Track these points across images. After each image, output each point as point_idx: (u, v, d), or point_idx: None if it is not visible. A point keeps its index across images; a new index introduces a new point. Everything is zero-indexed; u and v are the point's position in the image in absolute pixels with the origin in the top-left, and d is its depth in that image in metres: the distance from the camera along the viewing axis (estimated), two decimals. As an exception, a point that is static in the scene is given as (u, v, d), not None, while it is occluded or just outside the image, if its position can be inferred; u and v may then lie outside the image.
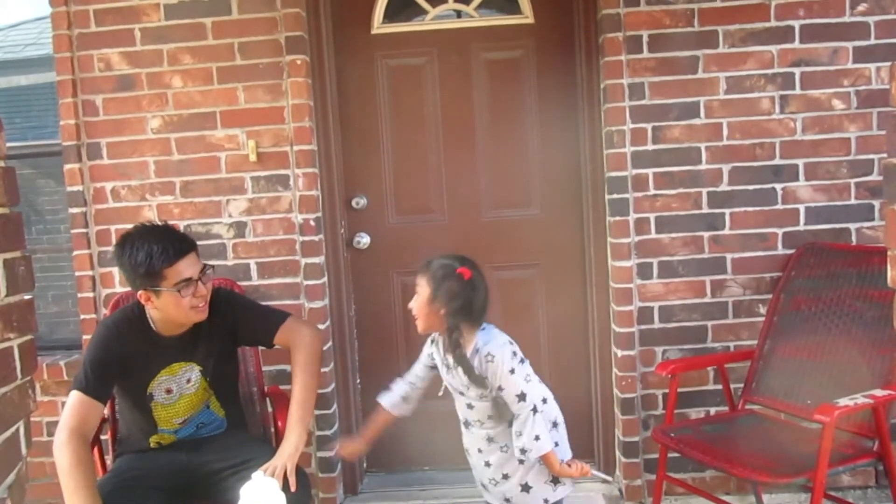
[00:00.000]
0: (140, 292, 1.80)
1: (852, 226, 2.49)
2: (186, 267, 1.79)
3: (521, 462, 1.70)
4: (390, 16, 2.68)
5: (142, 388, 1.89)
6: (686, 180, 2.49)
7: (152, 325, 1.89)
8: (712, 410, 2.53)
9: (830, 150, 2.47)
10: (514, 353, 1.71)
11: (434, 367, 1.88)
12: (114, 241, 2.58)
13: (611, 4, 2.44)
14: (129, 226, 2.52)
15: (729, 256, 2.50)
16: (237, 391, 2.15)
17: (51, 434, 2.68)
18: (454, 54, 2.67)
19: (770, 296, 2.46)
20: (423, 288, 1.72)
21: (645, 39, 2.46)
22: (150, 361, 1.89)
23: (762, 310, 2.48)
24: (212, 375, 1.96)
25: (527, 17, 2.66)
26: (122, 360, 1.84)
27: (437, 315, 1.69)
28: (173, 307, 1.79)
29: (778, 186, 2.48)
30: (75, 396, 1.81)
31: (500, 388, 1.67)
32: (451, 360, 1.72)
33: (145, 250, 1.75)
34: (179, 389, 1.93)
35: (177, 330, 1.89)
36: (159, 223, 1.92)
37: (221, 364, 1.99)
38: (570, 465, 1.71)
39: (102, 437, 2.08)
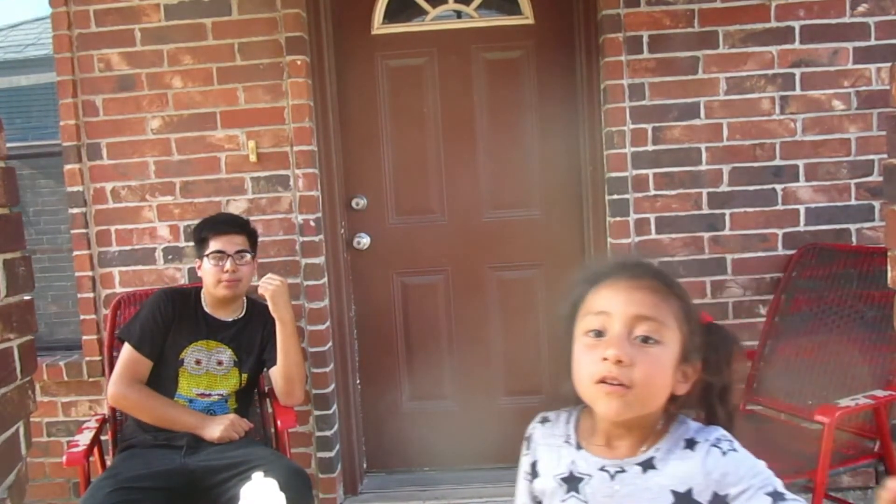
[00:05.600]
0: (197, 261, 2.13)
1: (853, 226, 2.49)
2: (224, 242, 2.07)
3: None
4: (390, 16, 2.68)
5: (176, 352, 2.05)
6: (686, 181, 2.49)
7: (204, 305, 2.13)
8: (712, 411, 2.52)
9: (830, 150, 2.47)
10: None
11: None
12: (114, 241, 2.59)
13: (611, 5, 2.44)
14: (130, 226, 2.58)
15: (729, 257, 2.50)
16: (253, 400, 2.25)
17: (51, 434, 2.71)
18: (454, 55, 2.67)
19: (770, 296, 2.46)
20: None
21: (645, 40, 2.46)
22: (191, 331, 2.08)
23: (762, 310, 2.48)
24: (247, 371, 2.11)
25: (527, 17, 2.66)
26: (168, 324, 2.06)
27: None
28: (207, 275, 2.07)
29: (778, 187, 2.48)
30: (128, 351, 2.03)
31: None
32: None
33: (202, 222, 2.16)
34: (208, 366, 2.07)
35: (221, 312, 2.12)
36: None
37: (255, 366, 2.13)
38: None
39: (103, 438, 2.08)
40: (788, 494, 0.88)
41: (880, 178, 2.42)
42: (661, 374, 0.92)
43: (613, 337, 0.92)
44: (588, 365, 0.93)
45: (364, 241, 2.72)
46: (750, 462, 0.93)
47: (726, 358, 0.99)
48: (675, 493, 0.92)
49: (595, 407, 0.95)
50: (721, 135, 2.47)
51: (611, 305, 0.94)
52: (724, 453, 0.93)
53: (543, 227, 2.72)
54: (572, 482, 0.99)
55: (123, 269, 2.59)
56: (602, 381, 0.91)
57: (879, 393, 1.90)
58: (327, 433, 2.60)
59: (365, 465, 2.81)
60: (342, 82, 2.68)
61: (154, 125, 2.55)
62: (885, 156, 1.29)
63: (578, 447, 1.01)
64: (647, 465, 0.94)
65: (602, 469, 0.97)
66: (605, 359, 0.90)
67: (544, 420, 1.10)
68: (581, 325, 0.98)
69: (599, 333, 0.94)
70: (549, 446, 1.05)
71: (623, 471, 0.95)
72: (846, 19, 2.44)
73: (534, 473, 1.06)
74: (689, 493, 0.92)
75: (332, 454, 2.61)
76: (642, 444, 0.96)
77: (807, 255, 2.43)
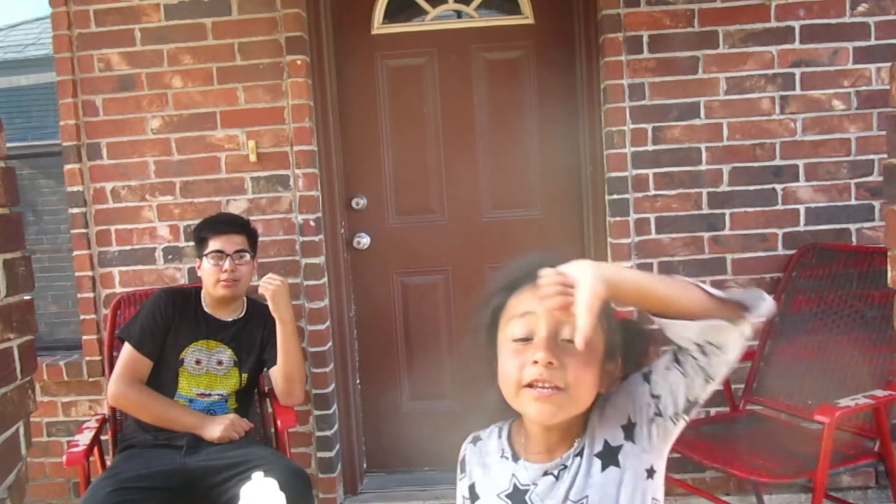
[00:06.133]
0: (196, 260, 2.13)
1: (852, 226, 2.48)
2: (223, 242, 2.07)
3: None
4: (390, 16, 2.68)
5: (177, 351, 2.05)
6: (686, 181, 2.49)
7: (204, 305, 2.13)
8: (713, 411, 2.52)
9: (830, 150, 2.47)
10: None
11: None
12: (114, 241, 2.59)
13: (611, 5, 2.44)
14: (130, 226, 2.58)
15: (729, 257, 2.50)
16: (253, 400, 2.25)
17: (51, 434, 2.71)
18: (454, 54, 2.67)
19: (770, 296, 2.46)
20: None
21: (645, 40, 2.46)
22: (191, 331, 2.08)
23: (762, 310, 2.48)
24: (247, 371, 2.11)
25: (527, 17, 2.66)
26: (168, 324, 2.06)
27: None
28: (206, 275, 2.07)
29: (778, 187, 2.48)
30: (128, 351, 2.03)
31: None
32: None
33: (202, 222, 2.17)
34: (208, 366, 2.07)
35: (221, 312, 2.13)
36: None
37: (255, 366, 2.13)
38: None
39: (103, 438, 2.08)
40: (654, 366, 0.94)
41: (880, 178, 2.42)
42: (590, 373, 0.92)
43: (541, 339, 0.90)
44: (516, 370, 0.91)
45: (364, 240, 2.72)
46: (623, 383, 0.98)
47: (644, 351, 0.99)
48: (598, 454, 0.95)
49: (526, 413, 0.94)
50: (721, 135, 2.47)
51: (536, 306, 0.92)
52: (607, 398, 0.97)
53: (543, 227, 2.72)
54: (517, 495, 0.96)
55: (123, 268, 2.59)
56: (531, 385, 0.90)
57: (879, 393, 1.90)
58: (327, 433, 2.60)
59: (365, 465, 2.81)
60: (342, 82, 2.68)
61: (154, 125, 2.55)
62: (885, 156, 1.29)
63: (516, 459, 0.99)
64: (582, 452, 0.96)
65: (546, 473, 0.96)
66: (536, 362, 0.89)
67: (476, 440, 1.07)
68: (506, 332, 0.96)
69: (526, 339, 0.93)
70: (486, 465, 1.02)
71: (565, 467, 0.95)
72: (846, 19, 2.43)
73: (473, 497, 1.02)
74: (606, 445, 0.95)
75: (332, 454, 2.61)
76: (575, 439, 0.97)
77: (807, 254, 2.43)
